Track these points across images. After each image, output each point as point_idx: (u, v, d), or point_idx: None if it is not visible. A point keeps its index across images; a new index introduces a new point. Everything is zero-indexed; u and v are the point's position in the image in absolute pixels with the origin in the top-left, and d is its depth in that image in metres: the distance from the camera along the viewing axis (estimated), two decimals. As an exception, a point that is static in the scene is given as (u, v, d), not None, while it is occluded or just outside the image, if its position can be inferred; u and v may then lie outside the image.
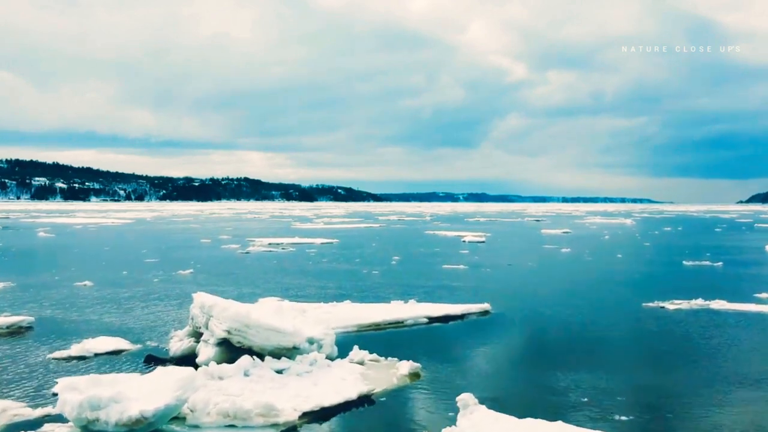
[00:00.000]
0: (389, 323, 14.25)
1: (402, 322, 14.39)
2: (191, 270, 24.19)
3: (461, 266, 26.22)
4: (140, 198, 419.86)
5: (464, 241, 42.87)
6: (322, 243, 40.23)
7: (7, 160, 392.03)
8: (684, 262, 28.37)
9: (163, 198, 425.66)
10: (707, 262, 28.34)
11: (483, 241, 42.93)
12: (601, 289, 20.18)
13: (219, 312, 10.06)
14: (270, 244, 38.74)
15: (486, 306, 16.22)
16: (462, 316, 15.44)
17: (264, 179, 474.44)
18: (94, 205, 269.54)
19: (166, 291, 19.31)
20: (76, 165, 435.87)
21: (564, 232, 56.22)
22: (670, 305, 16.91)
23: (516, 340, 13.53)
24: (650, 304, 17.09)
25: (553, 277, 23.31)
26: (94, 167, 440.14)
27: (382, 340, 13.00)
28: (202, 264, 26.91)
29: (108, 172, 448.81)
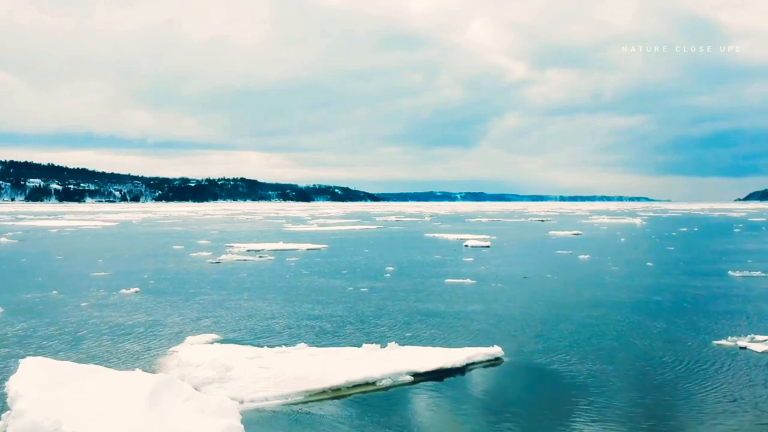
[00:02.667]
0: (355, 385, 9.63)
1: (374, 383, 9.80)
2: (137, 289, 19.79)
3: (467, 281, 21.82)
4: (136, 199, 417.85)
5: (467, 246, 38.53)
6: (308, 249, 35.86)
7: (1, 161, 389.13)
8: (730, 273, 23.97)
9: (158, 199, 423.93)
10: (758, 273, 23.92)
11: (488, 246, 38.57)
12: (649, 317, 15.71)
13: (12, 419, 5.69)
14: (248, 251, 34.33)
15: (496, 351, 11.60)
16: (462, 369, 10.81)
17: (261, 179, 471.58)
18: (88, 206, 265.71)
19: (77, 327, 14.92)
20: (71, 166, 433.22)
21: (574, 234, 51.87)
22: (754, 345, 12.47)
23: (543, 415, 9.03)
24: (724, 343, 12.69)
25: (580, 297, 18.88)
26: (90, 168, 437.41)
27: (337, 422, 8.46)
28: (156, 279, 22.53)
29: (103, 173, 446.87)
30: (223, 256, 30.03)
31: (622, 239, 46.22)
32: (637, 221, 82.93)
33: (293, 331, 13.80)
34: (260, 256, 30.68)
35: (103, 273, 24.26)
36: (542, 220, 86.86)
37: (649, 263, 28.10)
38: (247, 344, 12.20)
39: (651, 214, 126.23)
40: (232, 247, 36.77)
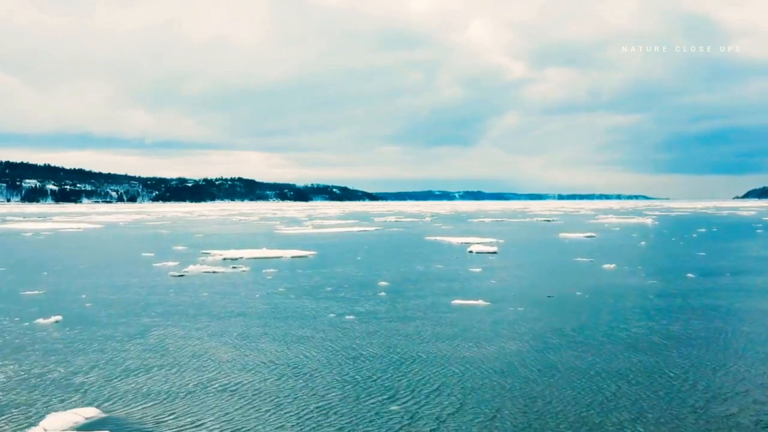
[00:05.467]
0: None
1: None
2: (59, 317, 15.51)
3: (478, 302, 17.56)
4: (132, 199, 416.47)
5: (471, 252, 34.30)
6: (293, 257, 31.62)
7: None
8: (798, 290, 19.78)
9: (156, 199, 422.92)
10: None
11: (495, 252, 34.37)
12: (752, 370, 11.45)
13: None
14: (224, 259, 30.09)
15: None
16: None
17: (259, 179, 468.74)
18: (83, 207, 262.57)
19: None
20: (68, 166, 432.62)
21: (587, 237, 47.63)
22: None
23: None
24: None
25: (635, 329, 14.57)
26: (87, 168, 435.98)
27: None
28: (94, 300, 18.25)
29: (100, 174, 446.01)
30: (191, 267, 25.75)
31: (642, 243, 41.98)
32: (648, 221, 78.85)
33: (213, 404, 9.40)
34: (234, 267, 26.38)
35: (35, 291, 19.97)
36: (548, 220, 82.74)
37: (689, 275, 23.85)
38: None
39: (657, 213, 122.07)
40: (208, 254, 32.53)
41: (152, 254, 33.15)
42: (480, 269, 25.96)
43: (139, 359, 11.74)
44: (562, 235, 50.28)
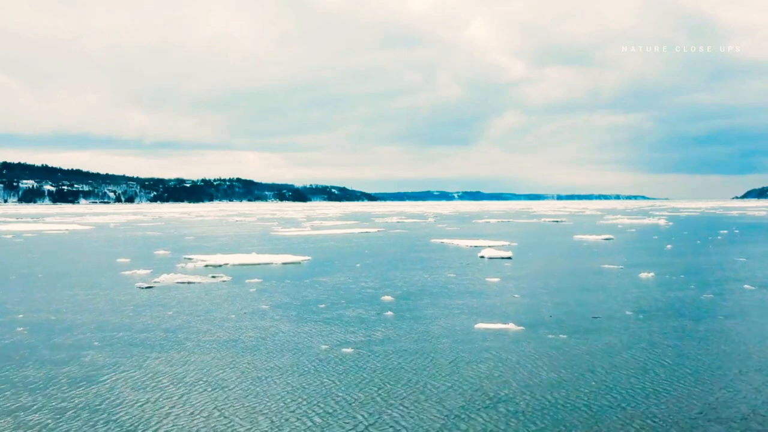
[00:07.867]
0: None
1: None
2: (-28, 349, 12.08)
3: (508, 326, 14.06)
4: (130, 200, 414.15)
5: (483, 257, 30.85)
6: (284, 264, 28.15)
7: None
8: None
9: (154, 200, 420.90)
10: None
11: (509, 257, 30.92)
12: None
13: None
14: (206, 266, 26.61)
15: None
16: None
17: (257, 179, 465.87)
18: (80, 207, 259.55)
19: None
20: (65, 167, 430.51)
21: (605, 239, 44.16)
22: None
23: None
24: None
25: (727, 361, 11.16)
26: (84, 169, 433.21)
27: None
28: (32, 324, 14.69)
29: (98, 174, 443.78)
30: (164, 277, 22.20)
31: (668, 246, 38.47)
32: (661, 222, 75.45)
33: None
34: (213, 277, 22.81)
35: (-33, 310, 16.48)
36: (555, 221, 79.35)
37: (746, 286, 20.37)
38: None
39: (666, 213, 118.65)
40: (189, 260, 29.04)
41: (128, 260, 29.67)
42: (497, 279, 22.49)
43: (70, 425, 8.21)
44: (577, 237, 46.82)
